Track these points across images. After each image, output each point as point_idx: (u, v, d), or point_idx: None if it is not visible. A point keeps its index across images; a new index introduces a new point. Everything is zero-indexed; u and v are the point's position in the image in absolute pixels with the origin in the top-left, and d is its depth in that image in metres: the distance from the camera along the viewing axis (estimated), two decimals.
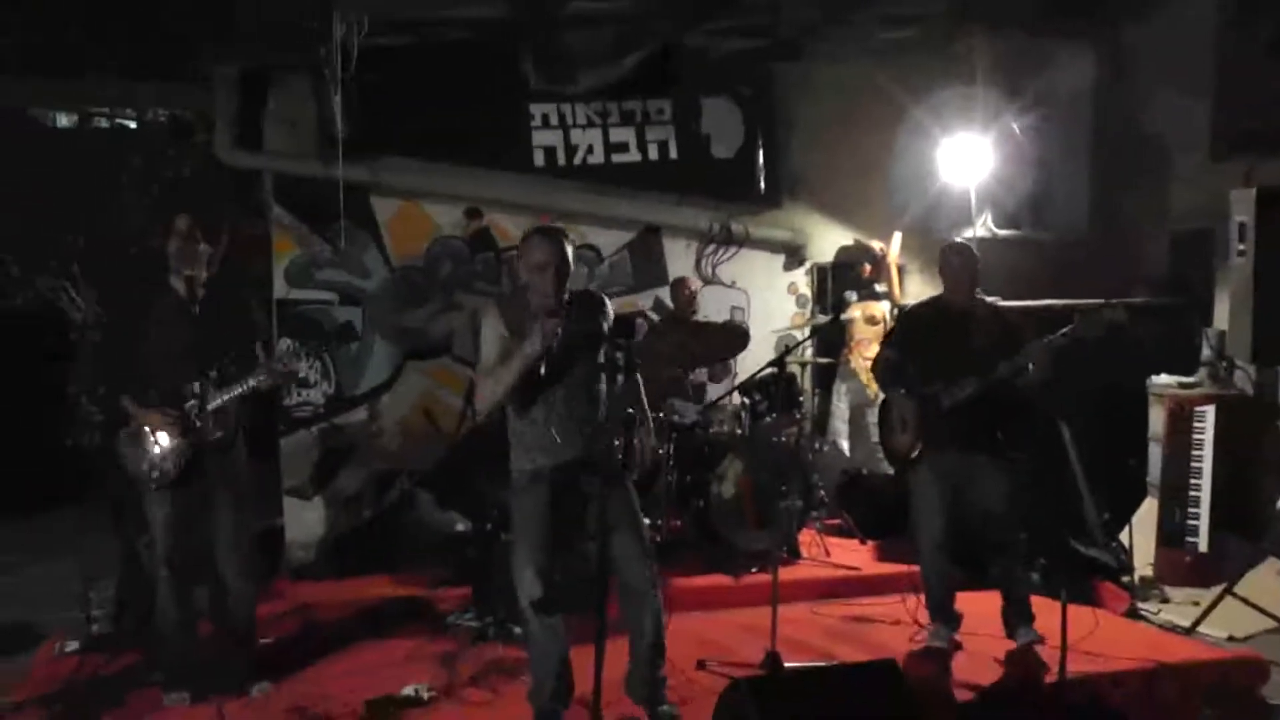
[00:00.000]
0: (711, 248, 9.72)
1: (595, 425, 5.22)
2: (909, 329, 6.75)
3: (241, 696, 5.85)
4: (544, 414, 5.15)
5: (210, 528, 5.85)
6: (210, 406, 5.66)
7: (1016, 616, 6.45)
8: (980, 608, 6.60)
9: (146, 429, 5.70)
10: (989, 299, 6.70)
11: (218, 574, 5.93)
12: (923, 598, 6.83)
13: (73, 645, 6.71)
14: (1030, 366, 6.06)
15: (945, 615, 6.62)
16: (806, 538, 8.51)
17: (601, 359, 5.15)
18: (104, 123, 10.24)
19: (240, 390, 5.68)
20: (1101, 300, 8.27)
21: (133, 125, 10.25)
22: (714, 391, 9.49)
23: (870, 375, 8.77)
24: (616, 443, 5.29)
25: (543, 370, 5.02)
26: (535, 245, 5.12)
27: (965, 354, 6.25)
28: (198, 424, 5.67)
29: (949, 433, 6.31)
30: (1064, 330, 5.97)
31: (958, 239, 6.81)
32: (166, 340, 5.72)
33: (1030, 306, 8.35)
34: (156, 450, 5.70)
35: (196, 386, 5.67)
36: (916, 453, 6.48)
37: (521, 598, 5.22)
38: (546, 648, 5.26)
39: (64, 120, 10.29)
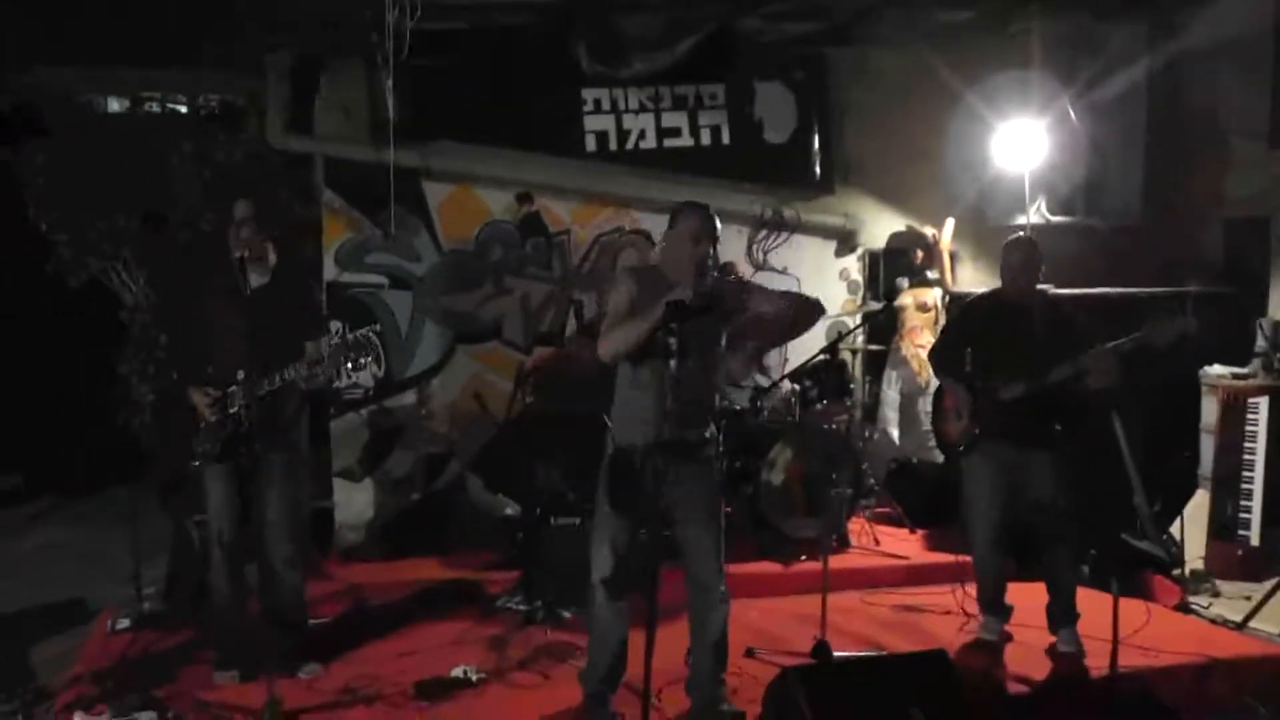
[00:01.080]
0: (763, 233, 9.67)
1: (696, 407, 5.20)
2: (967, 321, 6.70)
3: (291, 677, 5.90)
4: (660, 383, 5.02)
5: (263, 509, 5.90)
6: (261, 391, 5.68)
7: (1060, 613, 6.43)
8: (1031, 600, 6.56)
9: (192, 407, 5.78)
10: (1046, 289, 6.62)
11: (269, 554, 5.97)
12: (973, 589, 6.82)
13: (124, 622, 6.78)
14: (1097, 371, 6.00)
15: (996, 607, 6.61)
16: (856, 526, 8.51)
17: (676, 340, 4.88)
18: (155, 108, 10.29)
19: (275, 381, 5.69)
20: (1158, 289, 8.29)
21: (184, 110, 10.30)
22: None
23: (921, 363, 8.76)
24: (710, 431, 5.37)
25: (670, 338, 4.89)
26: (691, 216, 5.19)
27: (1024, 350, 6.20)
28: (239, 406, 5.70)
29: (1004, 424, 6.28)
30: (1132, 336, 5.91)
31: (1020, 234, 6.73)
32: (220, 323, 5.77)
33: (1086, 295, 8.30)
34: (200, 428, 5.76)
35: (242, 372, 5.70)
36: (969, 441, 6.45)
37: (593, 573, 5.26)
38: (608, 628, 5.30)
39: (115, 106, 10.33)
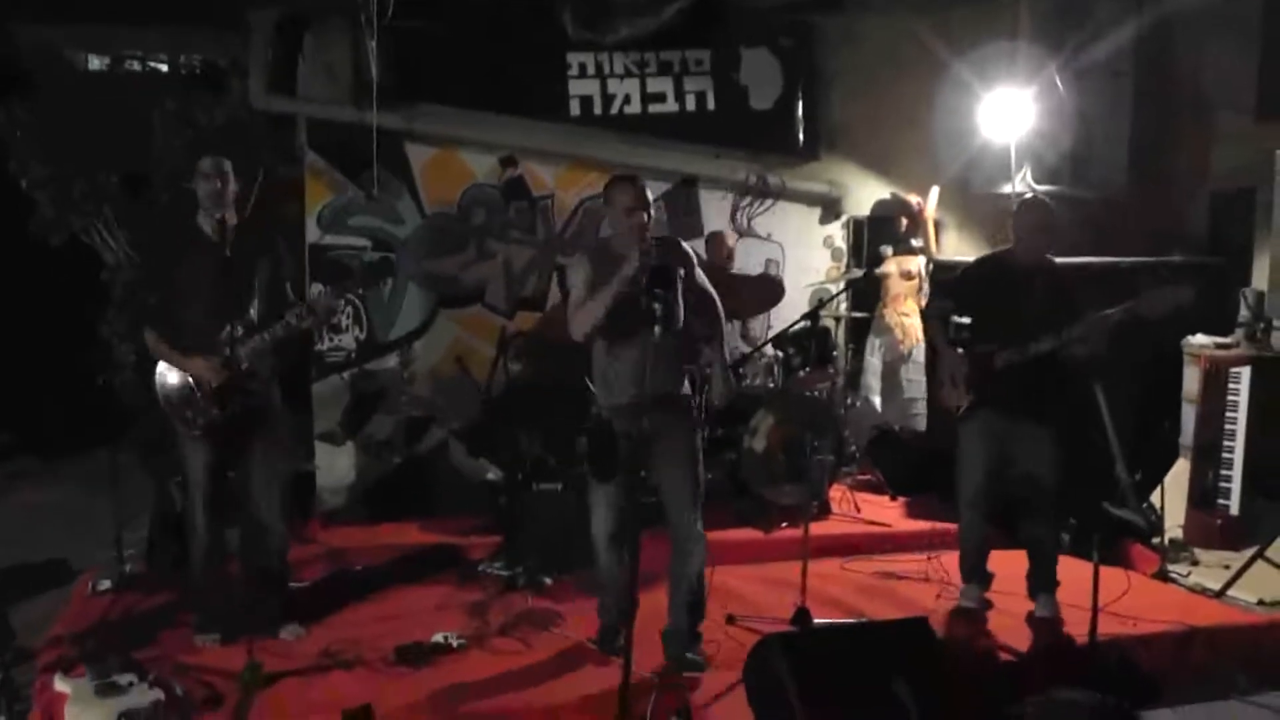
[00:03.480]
0: (747, 200, 9.65)
1: (670, 365, 5.49)
2: (971, 282, 6.63)
3: (273, 638, 5.88)
4: (632, 351, 5.41)
5: (245, 471, 5.89)
6: (246, 350, 5.66)
7: (1040, 581, 6.44)
8: (1013, 568, 6.58)
9: (189, 375, 5.71)
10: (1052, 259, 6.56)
11: (251, 517, 5.96)
12: (945, 557, 6.85)
13: (105, 584, 6.75)
14: (1088, 339, 6.00)
15: (978, 574, 6.61)
16: (837, 493, 8.52)
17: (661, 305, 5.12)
18: (136, 66, 10.22)
19: (276, 332, 5.67)
20: (1142, 259, 8.30)
21: (164, 69, 10.22)
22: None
23: (904, 330, 8.77)
24: (686, 387, 5.77)
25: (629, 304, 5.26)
26: (622, 190, 5.51)
27: (1025, 316, 6.17)
28: (235, 368, 5.67)
29: (999, 392, 6.27)
30: (1125, 305, 5.90)
31: (1033, 195, 6.67)
32: (198, 282, 5.71)
33: (1070, 264, 8.28)
34: (198, 396, 5.71)
35: (230, 330, 5.66)
36: (963, 409, 6.44)
37: (594, 527, 5.70)
38: (612, 574, 5.73)
39: (96, 63, 10.26)
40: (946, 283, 7.41)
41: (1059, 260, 6.52)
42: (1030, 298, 6.22)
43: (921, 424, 8.78)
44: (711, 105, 9.51)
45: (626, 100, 9.35)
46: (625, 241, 5.42)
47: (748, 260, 9.59)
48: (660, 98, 9.41)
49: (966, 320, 6.55)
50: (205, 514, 5.86)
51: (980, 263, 6.79)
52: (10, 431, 10.77)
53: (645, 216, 5.45)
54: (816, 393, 8.51)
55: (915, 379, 8.84)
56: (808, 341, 8.52)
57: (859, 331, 9.73)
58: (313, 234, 8.88)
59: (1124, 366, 7.65)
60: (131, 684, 5.09)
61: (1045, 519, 6.41)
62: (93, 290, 9.03)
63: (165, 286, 5.83)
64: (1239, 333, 8.08)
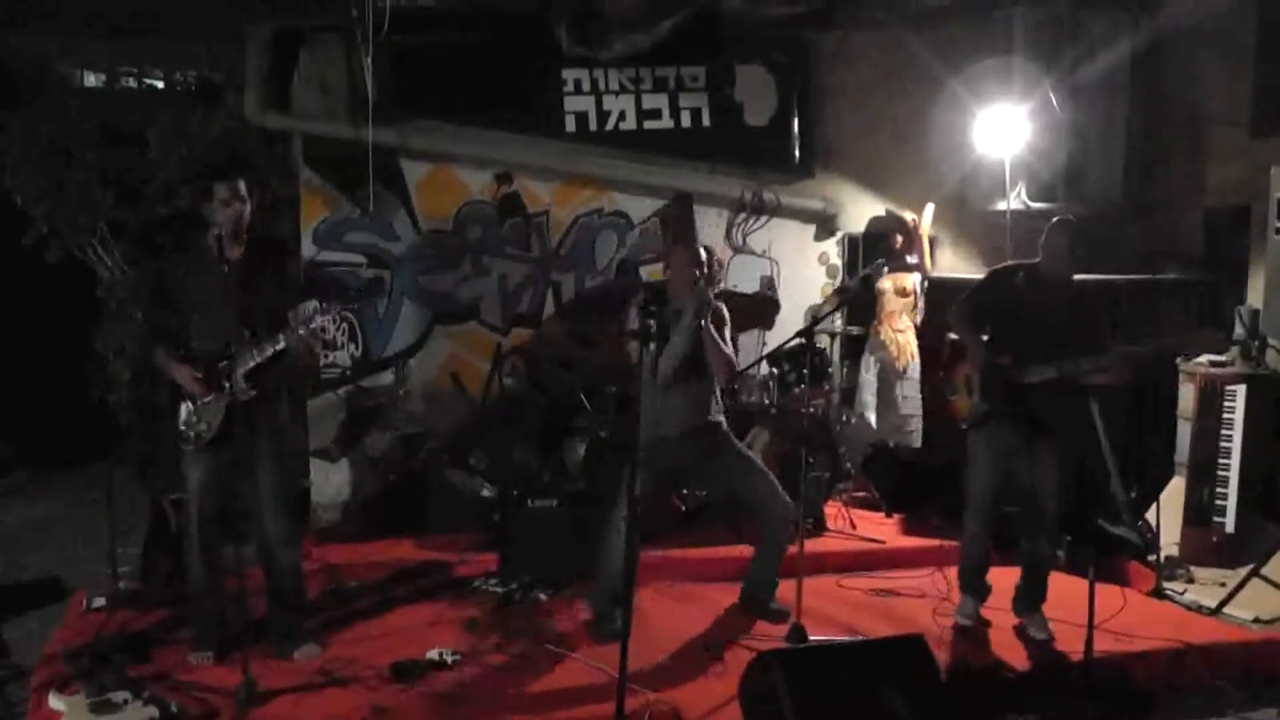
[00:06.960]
0: (742, 216, 9.66)
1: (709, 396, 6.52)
2: (997, 287, 6.55)
3: (285, 659, 5.89)
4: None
5: (254, 488, 5.87)
6: (246, 367, 5.65)
7: (1031, 598, 6.48)
8: (1010, 583, 6.60)
9: (182, 388, 5.72)
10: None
11: (263, 535, 5.95)
12: (950, 571, 6.86)
13: (100, 601, 6.72)
14: (1116, 370, 6.06)
15: (975, 588, 6.61)
16: (832, 510, 8.51)
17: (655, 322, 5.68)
18: (132, 83, 10.24)
19: (271, 350, 5.65)
20: (1137, 276, 8.30)
21: (160, 85, 10.24)
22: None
23: (900, 347, 8.76)
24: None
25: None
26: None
27: (1048, 333, 6.19)
28: (227, 383, 5.65)
29: (1014, 406, 6.28)
30: (1158, 343, 5.97)
31: (1065, 216, 6.64)
32: (201, 300, 5.72)
33: (1101, 284, 8.29)
34: (189, 409, 5.72)
35: (231, 346, 5.65)
36: (977, 419, 6.47)
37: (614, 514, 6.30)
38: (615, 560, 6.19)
39: (92, 79, 10.28)
40: (971, 287, 7.23)
41: (1079, 277, 6.50)
42: (1056, 316, 6.22)
43: (917, 440, 8.77)
44: (706, 122, 9.50)
45: (621, 117, 9.35)
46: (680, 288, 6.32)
47: (743, 276, 9.60)
48: (655, 114, 9.40)
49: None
50: (202, 530, 5.84)
51: (1009, 269, 6.65)
52: (5, 447, 10.77)
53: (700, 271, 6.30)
54: (811, 409, 8.50)
55: (910, 395, 8.82)
56: (802, 358, 8.51)
57: (854, 348, 9.72)
58: (308, 250, 8.86)
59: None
60: (126, 701, 5.09)
61: (1045, 536, 6.42)
62: (88, 306, 9.03)
63: (173, 304, 5.81)
64: (1234, 351, 8.08)
